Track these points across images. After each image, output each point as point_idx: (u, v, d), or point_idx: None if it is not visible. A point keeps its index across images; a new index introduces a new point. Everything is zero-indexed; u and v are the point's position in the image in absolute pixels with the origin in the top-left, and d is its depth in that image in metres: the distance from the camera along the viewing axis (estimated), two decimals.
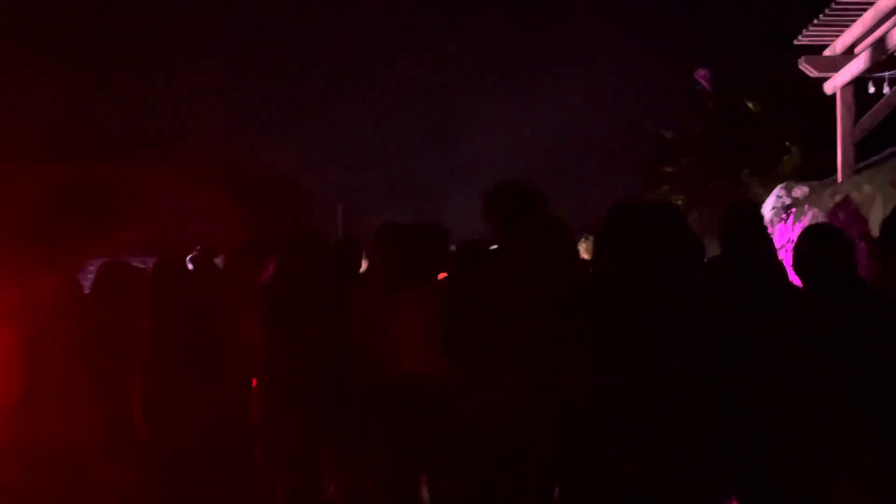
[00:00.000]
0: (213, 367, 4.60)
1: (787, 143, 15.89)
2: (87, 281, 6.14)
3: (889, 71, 8.85)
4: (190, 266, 5.80)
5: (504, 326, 3.35)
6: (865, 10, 8.30)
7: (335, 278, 4.73)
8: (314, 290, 4.57)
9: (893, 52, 8.30)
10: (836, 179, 9.47)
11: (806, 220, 9.28)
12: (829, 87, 9.56)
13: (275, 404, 4.66)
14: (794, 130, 15.72)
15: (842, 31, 8.96)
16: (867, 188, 8.16)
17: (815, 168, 13.04)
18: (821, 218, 8.30)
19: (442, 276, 4.59)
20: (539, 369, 3.29)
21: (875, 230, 6.60)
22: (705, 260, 4.27)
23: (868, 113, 9.29)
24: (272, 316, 4.59)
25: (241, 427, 4.76)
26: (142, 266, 5.91)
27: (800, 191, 10.23)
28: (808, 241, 3.12)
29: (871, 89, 9.17)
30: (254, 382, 4.84)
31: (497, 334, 3.35)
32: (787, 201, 10.12)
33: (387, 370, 4.29)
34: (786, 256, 4.50)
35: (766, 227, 4.52)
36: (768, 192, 11.47)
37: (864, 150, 9.91)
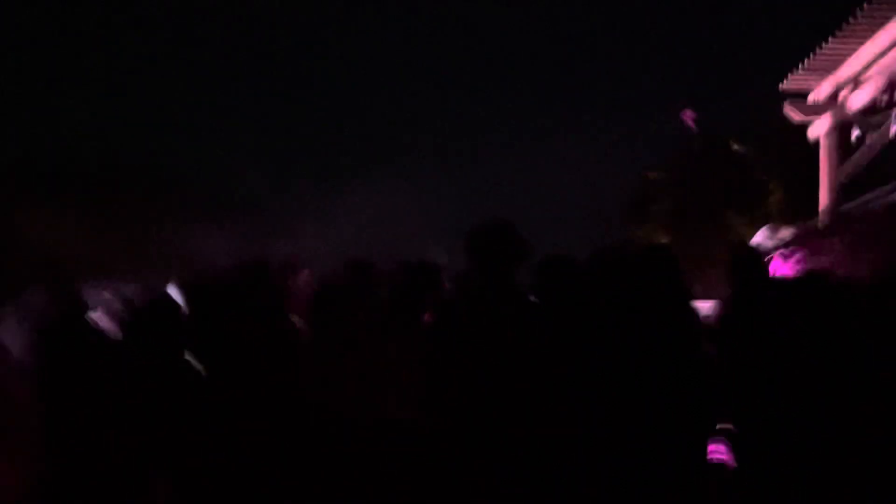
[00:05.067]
0: None
1: (771, 185, 16.04)
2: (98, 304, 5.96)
3: (872, 117, 8.96)
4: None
5: (502, 369, 3.30)
6: (849, 56, 8.44)
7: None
8: None
9: (875, 99, 8.43)
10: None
11: (792, 262, 9.30)
12: (812, 133, 9.67)
13: None
14: (779, 172, 15.87)
15: (826, 78, 9.09)
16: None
17: (800, 209, 13.14)
18: (806, 259, 8.33)
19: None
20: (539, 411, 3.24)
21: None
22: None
23: (851, 158, 9.38)
24: None
25: None
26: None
27: (785, 232, 10.27)
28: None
29: (856, 132, 9.27)
30: None
31: (493, 377, 3.30)
32: (773, 243, 10.14)
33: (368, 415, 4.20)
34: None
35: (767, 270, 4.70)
36: (752, 233, 11.50)
37: (848, 193, 9.99)
